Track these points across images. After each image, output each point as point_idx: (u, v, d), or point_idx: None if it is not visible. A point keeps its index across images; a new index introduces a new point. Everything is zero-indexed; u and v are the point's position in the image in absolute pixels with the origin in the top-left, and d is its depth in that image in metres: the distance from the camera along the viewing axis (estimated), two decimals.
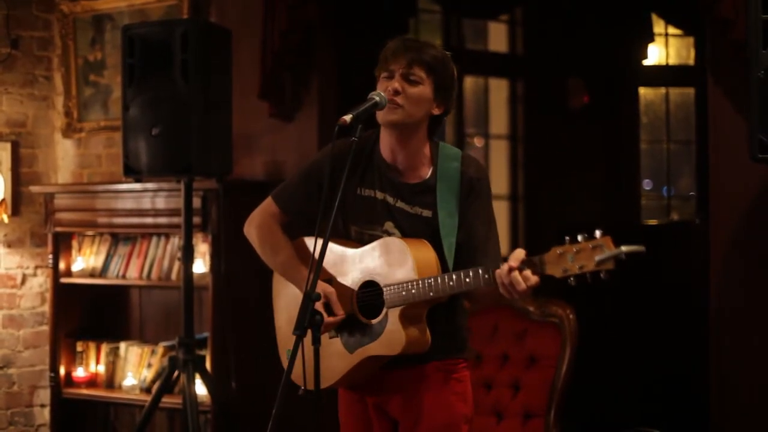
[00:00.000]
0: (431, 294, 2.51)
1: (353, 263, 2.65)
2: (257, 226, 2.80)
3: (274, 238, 2.77)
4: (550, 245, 2.34)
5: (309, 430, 2.43)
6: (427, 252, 2.57)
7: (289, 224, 2.79)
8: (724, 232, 3.98)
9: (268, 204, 2.81)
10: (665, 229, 7.70)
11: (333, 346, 2.66)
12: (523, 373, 3.76)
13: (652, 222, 7.80)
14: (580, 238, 2.27)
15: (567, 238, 2.30)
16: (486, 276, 2.41)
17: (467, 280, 2.45)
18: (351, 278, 2.65)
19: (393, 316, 2.56)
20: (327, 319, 2.56)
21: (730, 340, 3.94)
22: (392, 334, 2.56)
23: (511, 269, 2.34)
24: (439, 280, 2.50)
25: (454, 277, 2.48)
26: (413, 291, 2.52)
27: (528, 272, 2.34)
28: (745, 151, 3.37)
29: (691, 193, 8.02)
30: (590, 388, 4.81)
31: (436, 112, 2.63)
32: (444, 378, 2.66)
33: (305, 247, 2.74)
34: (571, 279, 2.29)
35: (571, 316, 3.70)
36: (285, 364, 2.71)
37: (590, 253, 2.24)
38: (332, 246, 2.67)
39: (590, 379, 4.54)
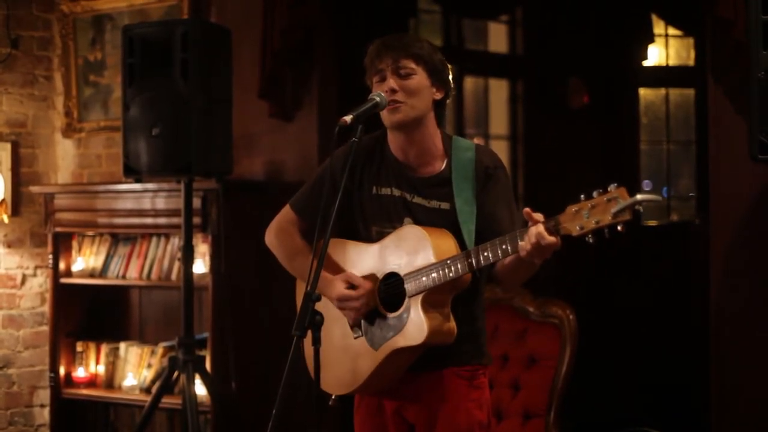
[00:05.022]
0: (451, 275, 2.45)
1: (372, 258, 2.62)
2: (276, 232, 2.80)
3: (292, 243, 2.76)
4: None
5: (309, 430, 2.42)
6: (445, 237, 2.53)
7: (307, 230, 2.76)
8: (724, 233, 3.98)
9: (285, 211, 2.80)
10: (665, 229, 7.70)
11: (359, 346, 2.61)
12: (523, 373, 3.75)
13: (652, 222, 7.79)
14: (594, 194, 2.22)
15: (582, 195, 2.24)
16: (504, 246, 2.36)
17: (485, 254, 2.41)
18: (371, 273, 2.61)
19: (415, 304, 2.50)
20: (353, 293, 2.55)
21: (730, 340, 3.94)
22: (415, 324, 2.50)
23: (535, 222, 2.29)
24: (458, 259, 2.45)
25: (472, 253, 2.44)
26: (433, 275, 2.47)
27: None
28: (745, 151, 3.38)
29: (691, 194, 8.01)
30: (590, 388, 4.82)
31: (437, 96, 2.62)
32: (461, 384, 2.62)
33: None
34: (589, 236, 2.22)
35: (571, 317, 3.69)
36: (311, 368, 2.69)
37: (605, 206, 2.18)
38: (349, 245, 2.67)
39: (590, 379, 4.54)
